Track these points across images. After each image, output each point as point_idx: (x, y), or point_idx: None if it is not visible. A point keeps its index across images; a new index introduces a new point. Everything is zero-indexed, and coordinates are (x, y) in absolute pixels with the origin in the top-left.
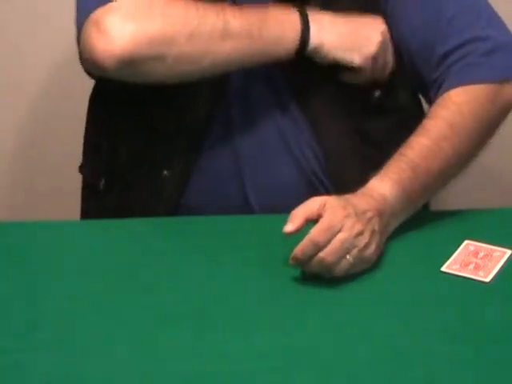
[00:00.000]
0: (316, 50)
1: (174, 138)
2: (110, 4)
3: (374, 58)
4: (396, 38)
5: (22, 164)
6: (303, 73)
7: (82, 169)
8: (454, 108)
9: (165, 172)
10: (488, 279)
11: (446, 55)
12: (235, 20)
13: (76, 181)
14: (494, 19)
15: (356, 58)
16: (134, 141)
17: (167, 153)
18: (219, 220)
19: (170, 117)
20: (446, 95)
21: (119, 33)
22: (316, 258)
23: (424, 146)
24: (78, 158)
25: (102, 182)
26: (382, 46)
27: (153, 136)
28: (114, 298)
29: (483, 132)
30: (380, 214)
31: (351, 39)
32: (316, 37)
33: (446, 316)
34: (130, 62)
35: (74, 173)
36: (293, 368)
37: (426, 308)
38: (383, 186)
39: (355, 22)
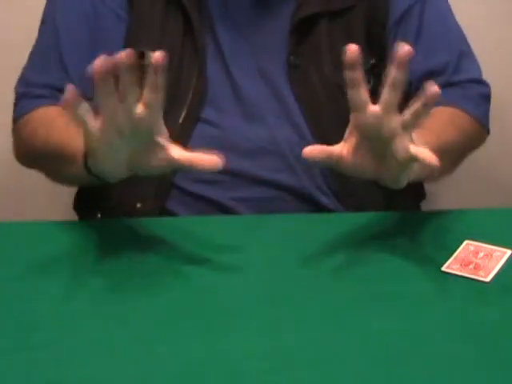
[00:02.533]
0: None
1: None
2: (28, 115)
3: None
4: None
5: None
6: (310, 87)
7: (75, 207)
8: (448, 111)
9: (138, 205)
10: (488, 279)
11: (447, 84)
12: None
13: None
14: (480, 70)
15: None
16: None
17: (139, 190)
18: (219, 220)
19: None
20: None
21: (14, 147)
22: (372, 108)
23: (435, 125)
24: None
25: (98, 215)
26: None
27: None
28: (113, 298)
29: (460, 143)
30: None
31: None
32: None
33: (446, 316)
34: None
35: None
36: (293, 368)
37: (426, 308)
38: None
39: None
